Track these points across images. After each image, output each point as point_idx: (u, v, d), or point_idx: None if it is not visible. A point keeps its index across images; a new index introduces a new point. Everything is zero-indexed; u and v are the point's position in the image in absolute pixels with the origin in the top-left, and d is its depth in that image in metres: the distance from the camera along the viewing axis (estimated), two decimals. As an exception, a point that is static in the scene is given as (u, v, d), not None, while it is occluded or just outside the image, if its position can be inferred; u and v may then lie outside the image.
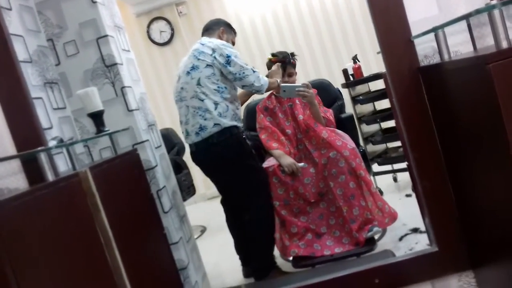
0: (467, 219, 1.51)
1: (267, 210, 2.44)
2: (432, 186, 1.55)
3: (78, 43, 2.13)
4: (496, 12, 1.03)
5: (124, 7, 4.89)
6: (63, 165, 1.77)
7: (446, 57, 1.40)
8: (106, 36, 2.11)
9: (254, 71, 2.37)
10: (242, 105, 2.63)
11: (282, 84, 2.50)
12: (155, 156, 2.26)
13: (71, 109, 2.08)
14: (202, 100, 2.30)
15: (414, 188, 1.79)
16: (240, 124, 2.43)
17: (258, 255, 2.47)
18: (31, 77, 1.80)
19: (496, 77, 0.97)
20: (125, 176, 1.75)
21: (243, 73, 2.33)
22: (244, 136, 2.45)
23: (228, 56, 2.31)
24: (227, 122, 2.31)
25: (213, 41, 2.37)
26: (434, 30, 1.36)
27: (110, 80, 2.15)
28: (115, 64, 2.14)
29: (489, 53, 0.98)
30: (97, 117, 1.74)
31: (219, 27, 2.55)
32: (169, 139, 3.60)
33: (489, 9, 1.02)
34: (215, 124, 2.30)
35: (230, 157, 2.36)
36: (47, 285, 1.10)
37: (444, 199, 1.56)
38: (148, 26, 5.02)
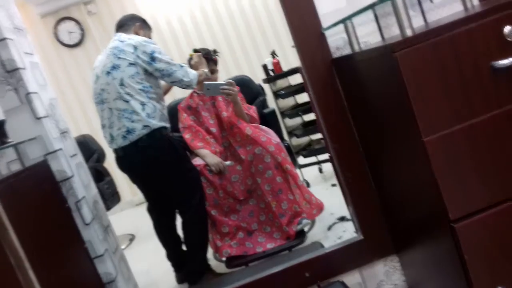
0: (388, 206, 1.57)
1: (202, 210, 2.39)
2: (353, 176, 1.59)
3: (-27, 48, 1.93)
4: (399, 1, 1.06)
5: (26, 7, 4.54)
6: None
7: (356, 48, 1.44)
8: (4, 39, 1.93)
9: (181, 66, 2.27)
10: (165, 95, 2.51)
11: (206, 82, 2.42)
12: (70, 166, 2.11)
13: (-31, 121, 1.88)
14: (127, 102, 2.16)
15: (337, 179, 1.83)
16: (168, 125, 2.33)
17: (194, 257, 2.41)
18: None
19: (402, 65, 1.01)
20: (35, 189, 1.61)
21: (171, 69, 2.22)
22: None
23: (152, 52, 2.19)
24: (156, 123, 2.20)
25: (133, 38, 2.22)
26: (343, 21, 1.39)
27: (13, 86, 1.97)
28: (17, 69, 1.96)
29: (395, 42, 1.01)
30: (-2, 128, 1.58)
31: (134, 23, 2.39)
32: (87, 146, 3.40)
33: (392, -4, 1.06)
34: (144, 126, 2.17)
35: (162, 160, 2.25)
36: None
37: (365, 188, 1.61)
38: (55, 27, 4.70)
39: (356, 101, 1.48)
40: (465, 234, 1.07)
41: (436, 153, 1.05)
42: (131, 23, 2.39)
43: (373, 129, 1.42)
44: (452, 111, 1.05)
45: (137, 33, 2.35)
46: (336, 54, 1.56)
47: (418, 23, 1.57)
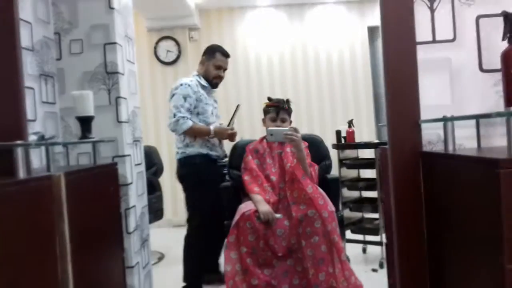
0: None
1: (197, 236, 2.82)
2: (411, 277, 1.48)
3: (85, 43, 2.09)
4: (514, 119, 1.02)
5: (138, 18, 4.90)
6: (37, 161, 1.67)
7: (450, 148, 1.38)
8: (114, 43, 2.08)
9: (174, 116, 2.73)
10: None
11: (269, 128, 2.48)
12: (132, 173, 2.17)
13: (59, 106, 2.01)
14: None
15: (388, 268, 1.73)
16: (213, 152, 2.88)
17: (184, 272, 2.86)
18: (29, 65, 1.74)
19: (504, 184, 0.94)
20: (99, 189, 1.66)
21: (170, 111, 2.78)
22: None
23: (171, 97, 2.79)
24: (192, 150, 2.82)
25: (181, 81, 2.82)
26: (444, 120, 1.35)
27: (107, 87, 2.10)
28: (117, 72, 2.09)
29: (502, 158, 0.95)
30: (85, 122, 1.67)
31: (203, 56, 2.95)
32: (149, 157, 3.51)
33: (510, 114, 1.01)
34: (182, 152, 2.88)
35: (180, 174, 2.90)
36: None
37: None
38: (157, 43, 5.03)
39: (437, 202, 1.40)
40: None
41: (516, 285, 0.95)
42: (202, 56, 2.96)
43: (448, 237, 1.32)
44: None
45: (201, 64, 2.93)
46: (426, 147, 1.52)
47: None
